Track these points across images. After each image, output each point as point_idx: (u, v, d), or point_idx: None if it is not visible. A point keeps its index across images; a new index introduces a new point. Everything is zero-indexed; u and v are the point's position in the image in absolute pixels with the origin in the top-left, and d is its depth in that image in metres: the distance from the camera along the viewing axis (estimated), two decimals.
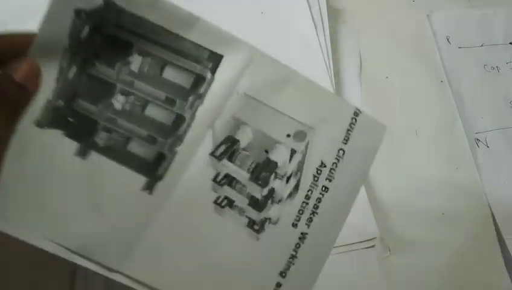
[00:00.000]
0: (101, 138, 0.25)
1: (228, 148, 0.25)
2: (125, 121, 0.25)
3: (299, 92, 0.27)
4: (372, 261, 0.40)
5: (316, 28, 0.46)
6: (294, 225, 0.26)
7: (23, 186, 0.24)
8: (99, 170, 0.25)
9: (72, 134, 0.24)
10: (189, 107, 0.25)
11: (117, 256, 0.24)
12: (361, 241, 0.40)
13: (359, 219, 0.41)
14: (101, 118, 0.25)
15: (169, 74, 0.25)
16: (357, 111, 0.27)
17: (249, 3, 0.48)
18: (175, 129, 0.25)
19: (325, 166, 0.27)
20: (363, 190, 0.42)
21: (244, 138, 0.26)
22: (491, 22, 0.54)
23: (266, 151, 0.26)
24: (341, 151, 0.27)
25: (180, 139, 0.25)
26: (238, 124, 0.26)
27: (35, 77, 0.23)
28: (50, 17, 0.24)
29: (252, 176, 0.26)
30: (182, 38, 0.25)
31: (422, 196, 0.45)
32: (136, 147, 0.25)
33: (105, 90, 0.25)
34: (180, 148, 0.25)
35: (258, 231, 0.26)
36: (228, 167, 0.25)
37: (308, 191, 0.26)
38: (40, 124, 0.24)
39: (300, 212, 0.26)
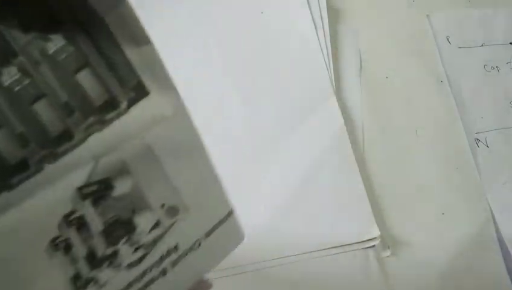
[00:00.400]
0: None
1: (99, 191, 0.22)
2: (4, 102, 0.20)
3: (195, 168, 0.25)
4: (372, 261, 0.40)
5: (316, 28, 0.46)
6: None
7: None
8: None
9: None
10: (85, 128, 0.21)
11: None
12: (361, 241, 0.40)
13: (359, 219, 0.41)
14: None
15: (85, 78, 0.21)
16: (231, 211, 0.26)
17: (248, 3, 0.48)
18: (57, 143, 0.21)
19: (176, 251, 0.25)
20: (363, 190, 0.42)
21: (121, 187, 0.23)
22: (491, 22, 0.54)
23: (133, 211, 0.23)
24: (198, 243, 0.25)
25: (55, 157, 0.21)
26: (123, 170, 0.22)
27: None
28: None
29: (105, 230, 0.22)
30: (120, 50, 0.22)
31: (422, 196, 0.45)
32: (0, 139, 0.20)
33: (1, 51, 0.20)
34: (49, 167, 0.21)
35: (79, 289, 0.22)
36: (88, 210, 0.22)
37: (148, 268, 0.24)
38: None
39: (129, 286, 0.23)
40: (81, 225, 0.22)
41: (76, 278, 0.22)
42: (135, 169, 0.23)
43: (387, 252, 0.41)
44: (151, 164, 0.23)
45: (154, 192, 0.23)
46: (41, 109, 0.20)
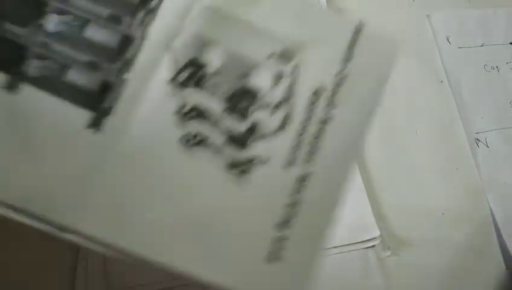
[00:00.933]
0: (33, 66, 0.20)
1: (193, 73, 0.21)
2: (61, 45, 0.21)
3: (280, 2, 0.22)
4: (372, 261, 0.40)
5: None
6: (289, 165, 0.21)
7: None
8: (32, 105, 0.20)
9: None
10: (139, 25, 0.21)
11: (67, 210, 0.20)
12: (362, 242, 0.40)
13: (359, 219, 0.41)
14: (31, 42, 0.20)
15: None
16: (360, 26, 0.23)
17: None
18: (122, 52, 0.21)
19: (322, 92, 0.22)
20: (363, 190, 0.42)
21: (213, 60, 0.21)
22: (492, 22, 0.54)
23: (243, 76, 0.21)
24: (342, 74, 0.22)
25: (129, 64, 0.21)
26: (203, 44, 0.21)
27: None
28: None
29: (228, 106, 0.21)
30: None
31: (422, 196, 0.45)
32: (75, 76, 0.21)
33: (36, 8, 0.20)
34: (130, 76, 0.21)
35: (241, 174, 0.21)
36: (196, 95, 0.21)
37: (303, 122, 0.21)
38: None
39: (296, 148, 0.21)
40: (199, 114, 0.21)
41: (233, 165, 0.21)
42: (214, 35, 0.21)
43: (387, 252, 0.41)
44: (227, 21, 0.21)
45: (250, 47, 0.21)
46: (92, 32, 0.21)
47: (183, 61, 0.21)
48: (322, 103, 0.22)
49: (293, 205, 0.21)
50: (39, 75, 0.20)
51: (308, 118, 0.22)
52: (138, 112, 0.20)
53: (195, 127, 0.21)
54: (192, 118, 0.21)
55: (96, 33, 0.21)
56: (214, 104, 0.21)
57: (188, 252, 0.20)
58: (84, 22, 0.21)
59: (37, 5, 0.20)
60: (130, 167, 0.20)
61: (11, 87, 0.20)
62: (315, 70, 0.22)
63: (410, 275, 0.42)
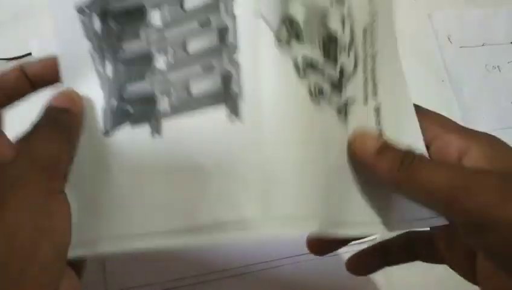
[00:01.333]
0: (164, 104, 0.23)
1: (289, 29, 0.22)
2: (177, 72, 0.23)
3: None
4: None
5: None
6: (366, 100, 0.24)
7: (116, 196, 0.22)
8: (181, 135, 0.22)
9: (138, 119, 0.23)
10: (225, 13, 0.22)
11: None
12: (362, 242, 0.40)
13: None
14: (155, 87, 0.23)
15: (190, 2, 0.23)
16: None
17: None
18: (223, 43, 0.23)
19: (367, 30, 0.24)
20: None
21: (298, 13, 0.23)
22: (492, 21, 0.54)
23: (323, 24, 0.23)
24: (372, 12, 0.25)
25: (233, 47, 0.22)
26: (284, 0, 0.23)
27: (73, 99, 0.23)
28: (60, 31, 0.23)
29: (325, 54, 0.23)
30: None
31: None
32: (199, 86, 0.23)
33: (144, 61, 0.23)
34: (239, 56, 0.22)
35: (345, 117, 0.23)
36: (300, 48, 0.22)
37: (364, 59, 0.24)
38: (107, 132, 0.23)
39: (365, 84, 0.24)
40: (310, 65, 0.22)
41: (339, 111, 0.23)
42: None
43: None
44: None
45: None
46: (194, 45, 0.23)
47: (276, 22, 0.22)
48: (368, 40, 0.24)
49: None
50: (172, 107, 0.23)
51: (365, 56, 0.24)
52: (263, 80, 0.22)
53: (312, 78, 0.22)
54: (306, 70, 0.22)
55: (197, 44, 0.23)
56: (315, 53, 0.22)
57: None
58: (184, 43, 0.23)
59: (145, 58, 0.23)
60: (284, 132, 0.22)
61: (157, 130, 0.23)
62: (359, 10, 0.24)
63: (410, 275, 0.41)
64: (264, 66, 0.22)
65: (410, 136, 0.24)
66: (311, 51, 0.22)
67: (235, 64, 0.22)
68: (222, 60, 0.22)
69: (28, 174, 0.21)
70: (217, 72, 0.22)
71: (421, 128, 0.24)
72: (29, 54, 0.48)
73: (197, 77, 0.23)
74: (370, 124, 0.24)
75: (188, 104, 0.22)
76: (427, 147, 0.24)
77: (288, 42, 0.22)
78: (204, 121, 0.22)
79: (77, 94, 0.24)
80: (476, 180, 0.20)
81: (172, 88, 0.23)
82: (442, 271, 0.43)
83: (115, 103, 0.23)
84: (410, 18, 0.52)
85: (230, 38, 0.22)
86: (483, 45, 0.53)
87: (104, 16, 0.23)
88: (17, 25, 0.50)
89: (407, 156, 0.21)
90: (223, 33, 0.22)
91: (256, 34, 0.22)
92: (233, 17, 0.22)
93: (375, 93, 0.24)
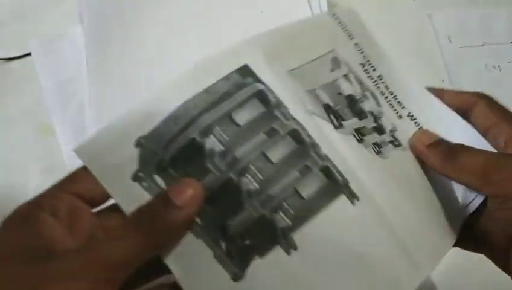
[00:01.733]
0: (282, 219, 0.22)
1: (332, 114, 0.26)
2: (274, 185, 0.23)
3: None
4: None
5: None
6: (401, 116, 0.28)
7: None
8: (317, 238, 0.22)
9: (265, 247, 0.22)
10: (285, 119, 0.24)
11: None
12: None
13: None
14: (259, 209, 0.22)
15: (240, 116, 0.23)
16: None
17: (249, 2, 0.48)
18: (302, 144, 0.23)
19: (365, 64, 0.28)
20: None
21: (325, 99, 0.26)
22: (493, 21, 0.54)
23: (340, 94, 0.27)
24: (358, 47, 0.29)
25: (314, 144, 0.24)
26: (312, 92, 0.26)
27: (196, 201, 0.21)
28: (123, 203, 0.22)
29: (354, 111, 0.27)
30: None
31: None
32: (308, 189, 0.23)
33: (231, 189, 0.22)
34: (322, 149, 0.24)
35: (400, 143, 0.28)
36: (353, 123, 0.26)
37: (375, 91, 0.28)
38: (235, 276, 0.22)
39: (392, 106, 0.28)
40: (364, 132, 0.26)
41: (394, 140, 0.27)
42: (312, 84, 0.26)
43: None
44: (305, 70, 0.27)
45: (320, 73, 0.27)
46: (274, 153, 0.23)
47: (322, 111, 0.26)
48: (370, 70, 0.28)
49: None
50: (291, 221, 0.22)
51: (375, 87, 0.28)
52: (350, 164, 0.24)
53: (370, 138, 0.26)
54: (365, 134, 0.26)
55: (277, 151, 0.23)
56: (368, 121, 0.27)
57: None
58: (263, 155, 0.23)
59: (233, 193, 0.22)
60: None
61: (291, 247, 0.22)
62: (348, 57, 0.28)
63: None
64: (339, 149, 0.24)
65: (446, 119, 0.28)
66: (359, 122, 0.26)
67: (325, 157, 0.24)
68: (313, 158, 0.23)
69: (73, 273, 0.19)
70: (316, 171, 0.23)
71: (482, 116, 0.28)
72: (29, 54, 0.48)
73: (300, 180, 0.23)
74: (412, 130, 0.28)
75: (308, 208, 0.23)
76: (484, 135, 0.28)
77: (340, 125, 0.25)
78: (333, 216, 0.23)
79: (203, 197, 0.21)
80: (504, 161, 0.24)
81: (277, 201, 0.22)
82: (442, 270, 0.43)
83: (223, 245, 0.22)
84: (410, 18, 0.52)
85: (305, 138, 0.24)
86: (483, 45, 0.53)
87: (163, 170, 0.22)
88: (17, 25, 0.50)
89: (451, 147, 0.26)
90: (295, 135, 0.23)
91: (320, 128, 0.24)
92: (295, 120, 0.24)
93: (401, 105, 0.29)
